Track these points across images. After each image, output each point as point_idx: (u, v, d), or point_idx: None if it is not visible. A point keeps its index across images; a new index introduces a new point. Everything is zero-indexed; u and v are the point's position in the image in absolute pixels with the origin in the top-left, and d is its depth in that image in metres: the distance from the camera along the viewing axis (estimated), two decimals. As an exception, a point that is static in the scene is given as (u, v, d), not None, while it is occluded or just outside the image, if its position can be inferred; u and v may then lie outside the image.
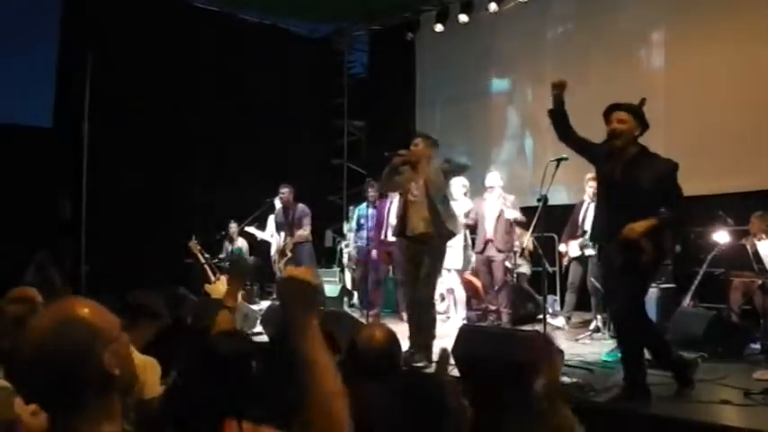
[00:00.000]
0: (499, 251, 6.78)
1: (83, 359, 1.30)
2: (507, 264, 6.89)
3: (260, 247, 9.51)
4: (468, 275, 7.43)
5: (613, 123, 3.94)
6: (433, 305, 5.39)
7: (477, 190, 7.37)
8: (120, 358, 1.34)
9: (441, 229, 5.18)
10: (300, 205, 8.21)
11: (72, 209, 9.00)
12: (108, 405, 1.33)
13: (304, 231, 8.06)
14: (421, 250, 5.24)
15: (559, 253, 7.23)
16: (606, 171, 4.00)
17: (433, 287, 5.40)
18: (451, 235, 5.35)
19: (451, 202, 6.93)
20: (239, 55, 10.45)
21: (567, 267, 7.02)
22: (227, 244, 9.49)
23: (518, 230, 7.09)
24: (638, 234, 3.74)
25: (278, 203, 8.82)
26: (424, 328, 5.16)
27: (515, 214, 6.81)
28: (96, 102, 8.83)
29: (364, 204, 8.22)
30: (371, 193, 8.09)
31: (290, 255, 8.08)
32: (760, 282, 5.62)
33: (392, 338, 2.43)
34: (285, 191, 8.20)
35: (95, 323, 1.34)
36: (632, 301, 3.90)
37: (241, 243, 9.55)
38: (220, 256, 9.38)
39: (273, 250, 9.06)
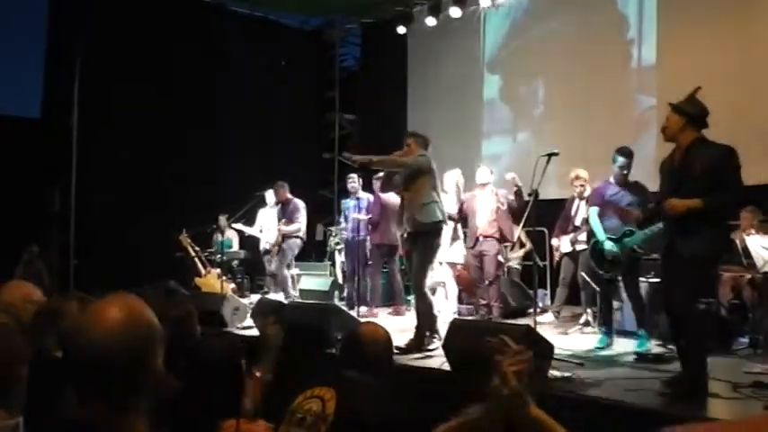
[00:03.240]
0: (493, 243, 6.77)
1: (146, 358, 1.29)
2: (500, 258, 6.88)
3: (249, 241, 9.48)
4: (459, 269, 7.43)
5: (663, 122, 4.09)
6: (424, 295, 5.46)
7: (470, 184, 7.34)
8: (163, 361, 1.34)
9: (421, 223, 5.31)
10: (294, 200, 8.32)
11: (60, 201, 8.94)
12: (149, 407, 1.33)
13: (292, 226, 8.17)
14: (412, 245, 5.46)
15: (551, 247, 7.25)
16: (669, 159, 4.10)
17: (423, 278, 5.44)
18: (426, 227, 5.34)
19: (442, 195, 6.94)
20: (230, 47, 10.40)
21: (559, 262, 7.05)
22: (216, 236, 9.47)
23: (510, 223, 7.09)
24: (677, 210, 3.86)
25: (270, 199, 8.83)
26: (421, 315, 5.37)
27: (512, 204, 6.78)
28: (85, 93, 8.76)
29: (349, 198, 8.30)
30: (351, 184, 8.23)
31: (277, 249, 8.31)
32: (749, 276, 5.65)
33: (389, 335, 2.53)
34: (283, 190, 8.40)
35: (155, 323, 1.33)
36: (694, 295, 3.95)
37: (231, 236, 9.53)
38: (210, 249, 9.37)
39: (262, 244, 9.05)
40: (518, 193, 6.57)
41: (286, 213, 8.30)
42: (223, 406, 2.03)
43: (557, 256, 7.11)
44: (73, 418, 1.28)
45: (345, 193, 8.68)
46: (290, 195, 8.39)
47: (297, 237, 8.30)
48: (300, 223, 8.24)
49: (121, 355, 1.26)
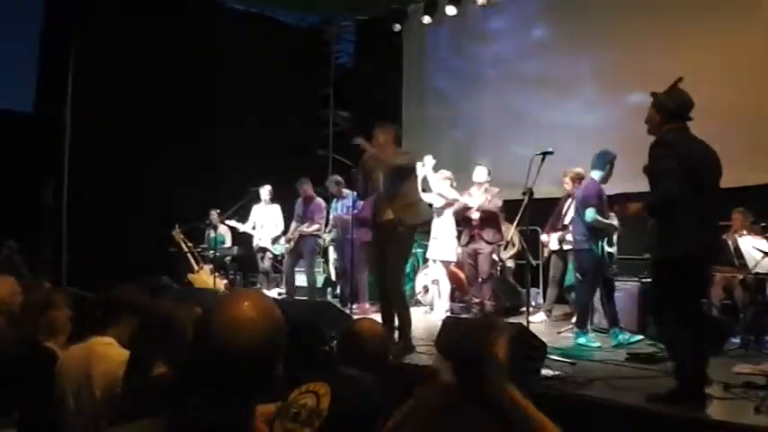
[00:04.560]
0: (488, 243, 6.78)
1: (275, 358, 1.30)
2: (494, 256, 6.89)
3: (242, 237, 9.45)
4: (453, 267, 7.44)
5: None
6: (402, 294, 5.37)
7: (463, 182, 7.34)
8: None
9: (403, 218, 5.11)
10: (317, 200, 8.35)
11: (53, 196, 8.89)
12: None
13: (313, 227, 8.18)
14: (387, 239, 5.18)
15: (542, 243, 7.29)
16: None
17: (401, 276, 5.36)
18: (412, 225, 5.23)
19: (432, 194, 6.96)
20: (225, 43, 10.36)
21: (548, 260, 7.09)
22: (209, 232, 9.44)
23: (504, 223, 7.12)
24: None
25: (264, 195, 8.82)
26: (400, 317, 5.16)
27: (489, 207, 6.79)
28: (79, 87, 8.71)
29: (334, 200, 8.34)
30: (333, 188, 8.27)
31: (292, 245, 8.28)
32: (740, 277, 5.68)
33: (385, 331, 2.57)
34: (306, 186, 8.38)
35: (283, 326, 1.34)
36: (658, 304, 3.84)
37: (223, 232, 9.48)
38: (203, 245, 9.34)
39: (255, 241, 9.03)
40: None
41: (307, 212, 8.25)
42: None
43: (545, 252, 7.16)
44: (200, 418, 1.26)
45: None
46: (312, 193, 8.36)
47: (315, 235, 8.28)
48: (320, 224, 8.24)
49: (259, 354, 1.26)
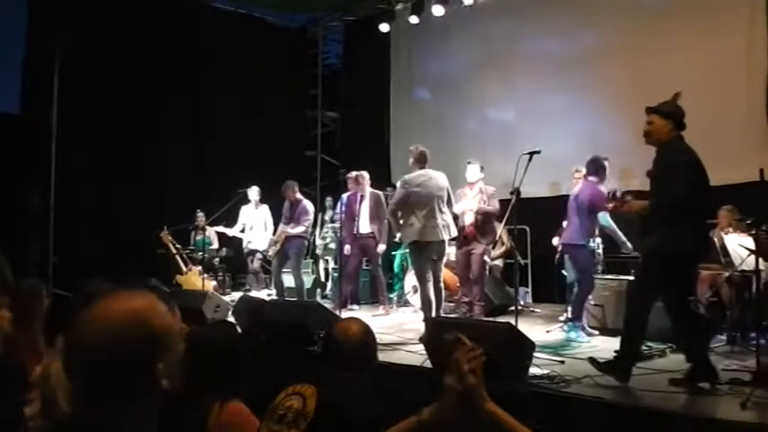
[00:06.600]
0: (479, 243, 6.77)
1: (138, 366, 1.27)
2: (485, 257, 6.88)
3: (230, 238, 9.41)
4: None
5: (644, 126, 4.18)
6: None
7: (456, 182, 7.31)
8: (171, 368, 1.32)
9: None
10: (304, 202, 8.24)
11: (40, 198, 8.82)
12: (149, 407, 1.32)
13: (298, 228, 8.07)
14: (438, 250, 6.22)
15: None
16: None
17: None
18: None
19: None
20: (213, 44, 10.34)
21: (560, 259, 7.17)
22: (193, 234, 9.38)
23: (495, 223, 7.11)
24: (632, 209, 4.20)
25: (253, 196, 8.77)
26: None
27: (488, 209, 6.79)
28: (66, 89, 8.65)
29: (347, 195, 8.20)
30: (351, 184, 8.15)
31: (278, 247, 8.19)
32: (726, 274, 5.71)
33: (367, 332, 2.40)
34: (292, 189, 8.29)
35: (158, 330, 1.30)
36: (633, 287, 4.17)
37: (210, 233, 9.43)
38: (191, 247, 9.30)
39: (245, 243, 9.00)
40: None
41: (294, 214, 8.18)
42: (225, 388, 2.28)
43: (557, 255, 7.24)
44: (76, 417, 1.28)
45: (332, 191, 8.59)
46: (299, 195, 8.29)
47: (302, 237, 8.20)
48: (306, 226, 8.16)
49: (121, 354, 1.24)
